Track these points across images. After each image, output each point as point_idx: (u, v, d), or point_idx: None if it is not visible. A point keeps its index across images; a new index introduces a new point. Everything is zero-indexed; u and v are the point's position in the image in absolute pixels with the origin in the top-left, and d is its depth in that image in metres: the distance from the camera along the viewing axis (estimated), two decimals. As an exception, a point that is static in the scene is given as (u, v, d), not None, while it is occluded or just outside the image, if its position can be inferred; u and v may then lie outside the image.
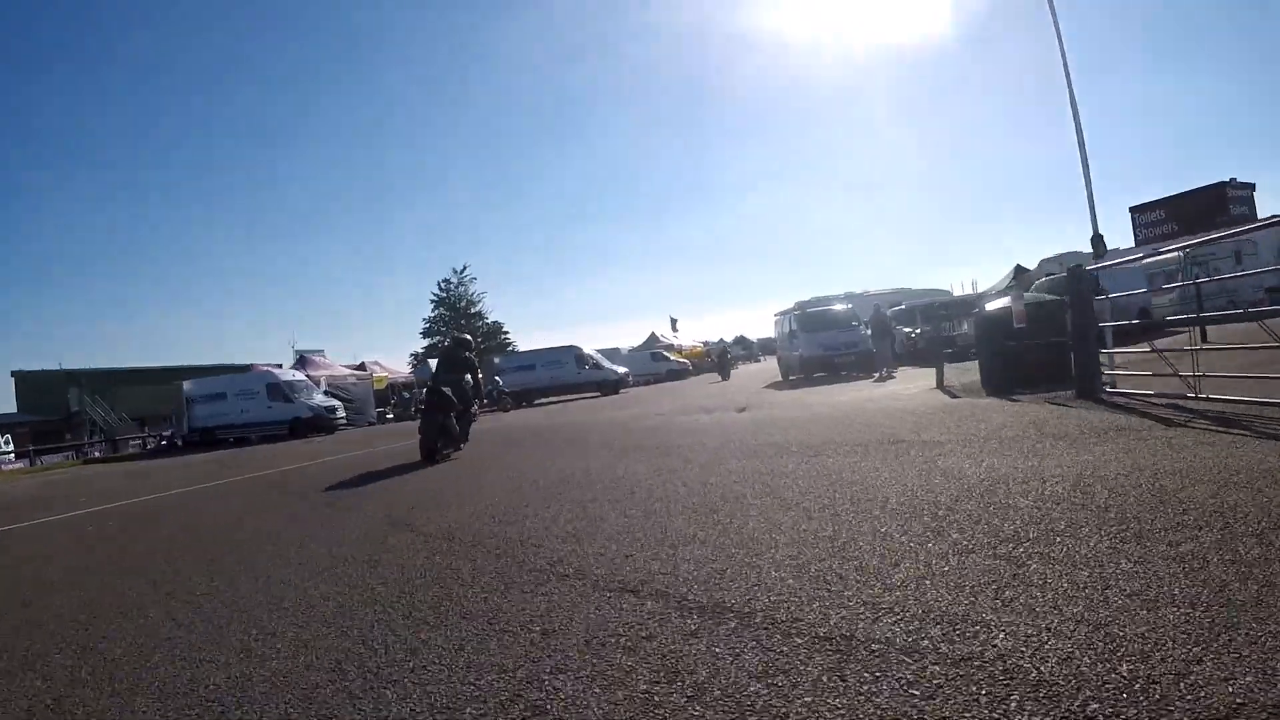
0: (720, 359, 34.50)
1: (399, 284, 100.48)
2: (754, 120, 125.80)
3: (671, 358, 44.10)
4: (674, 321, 51.12)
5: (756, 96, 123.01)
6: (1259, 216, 32.71)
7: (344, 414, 30.25)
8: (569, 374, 34.16)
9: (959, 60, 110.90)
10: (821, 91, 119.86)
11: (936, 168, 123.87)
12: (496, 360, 38.32)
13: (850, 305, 21.60)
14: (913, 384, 14.34)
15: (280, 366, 34.91)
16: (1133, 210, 39.44)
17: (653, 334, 48.63)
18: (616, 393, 32.06)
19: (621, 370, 35.27)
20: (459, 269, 61.22)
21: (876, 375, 17.96)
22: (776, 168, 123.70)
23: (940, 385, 12.30)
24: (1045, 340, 9.88)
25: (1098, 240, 14.06)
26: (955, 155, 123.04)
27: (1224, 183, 34.08)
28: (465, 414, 10.42)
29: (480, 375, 11.23)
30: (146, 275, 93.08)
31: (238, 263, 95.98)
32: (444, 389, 9.93)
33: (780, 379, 22.52)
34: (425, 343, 58.18)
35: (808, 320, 20.59)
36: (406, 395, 38.94)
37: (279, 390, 29.18)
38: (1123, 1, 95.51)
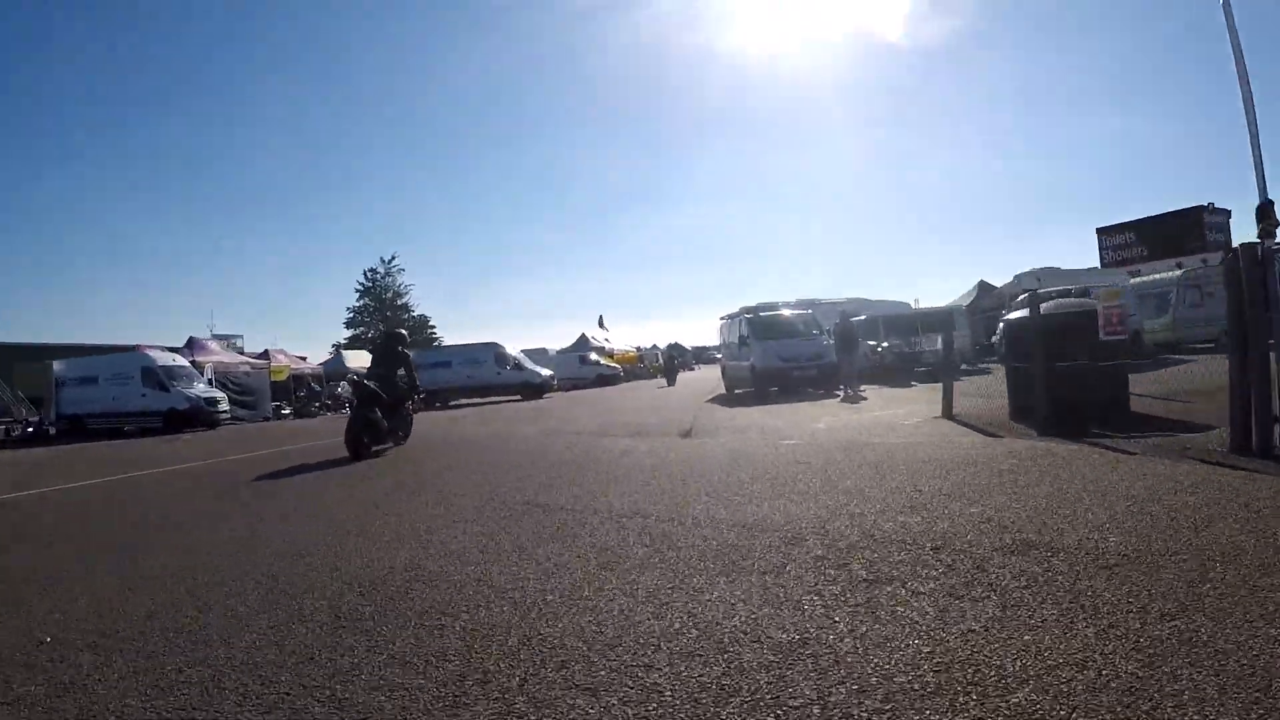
0: (668, 364, 33.35)
1: (328, 272, 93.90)
2: (699, 131, 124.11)
3: (602, 361, 40.74)
4: (601, 319, 47.45)
5: (703, 107, 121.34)
6: (1234, 243, 32.03)
7: (227, 407, 25.65)
8: (488, 374, 30.56)
9: (905, 79, 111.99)
10: (768, 107, 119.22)
11: (877, 187, 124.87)
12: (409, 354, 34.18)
13: (810, 311, 18.67)
14: (899, 408, 11.43)
15: (201, 348, 29.74)
16: (1099, 232, 38.42)
17: (583, 335, 45.03)
18: (540, 397, 29.11)
19: (545, 373, 31.87)
20: (387, 258, 57.53)
21: (842, 394, 15.08)
22: (717, 179, 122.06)
23: (948, 413, 9.36)
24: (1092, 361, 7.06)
25: (1267, 208, 10.92)
26: (898, 175, 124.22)
27: (1201, 207, 33.20)
28: (399, 409, 10.23)
29: (415, 370, 10.99)
30: (63, 250, 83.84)
31: (161, 240, 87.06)
32: (369, 383, 9.76)
33: (724, 392, 19.44)
34: (349, 333, 54.73)
35: (762, 325, 17.52)
36: (316, 388, 34.25)
37: (154, 376, 24.49)
38: (1092, 40, 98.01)
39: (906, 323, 19.86)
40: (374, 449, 9.53)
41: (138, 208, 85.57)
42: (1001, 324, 8.94)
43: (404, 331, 12.06)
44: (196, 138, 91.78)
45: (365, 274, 57.36)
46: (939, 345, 19.47)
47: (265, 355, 33.88)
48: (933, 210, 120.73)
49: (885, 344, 18.23)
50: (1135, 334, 17.15)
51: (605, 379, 38.30)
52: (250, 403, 28.96)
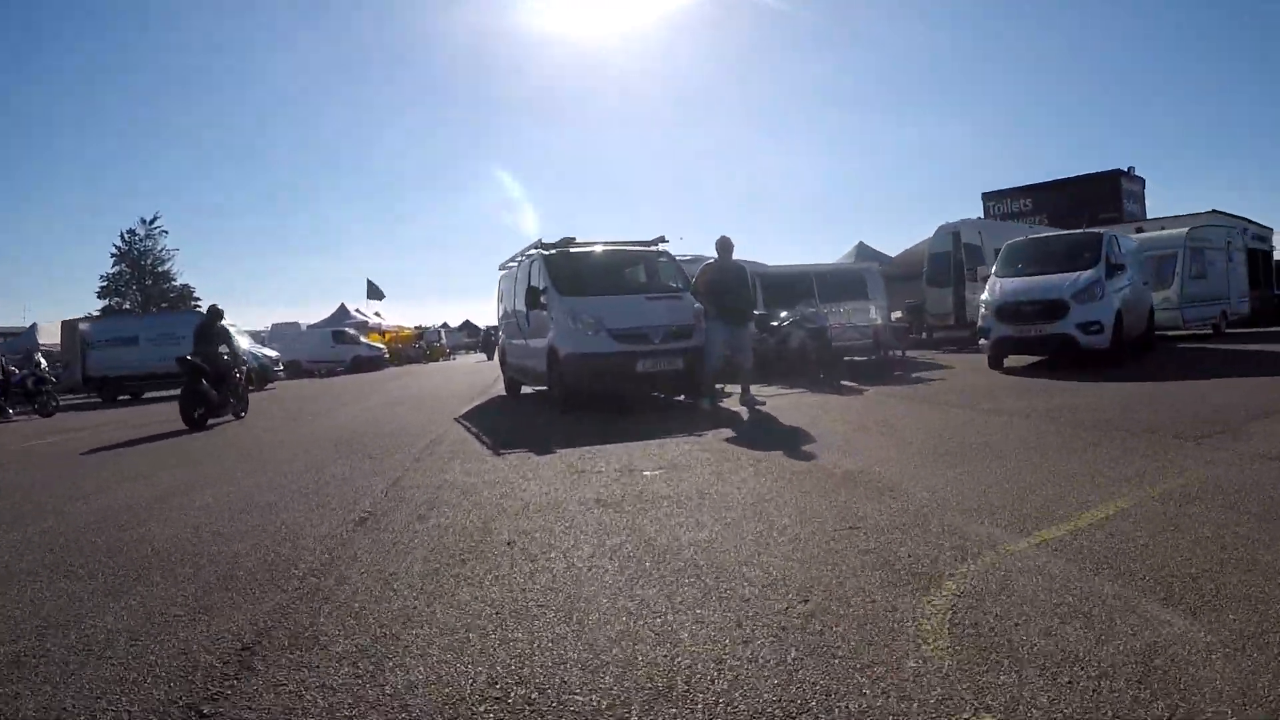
0: (486, 341, 31.74)
1: (91, 237, 74.26)
2: (498, 114, 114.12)
3: (363, 340, 30.58)
4: (371, 285, 36.00)
5: (509, 93, 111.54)
6: (1148, 214, 29.17)
7: None
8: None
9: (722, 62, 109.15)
10: (576, 90, 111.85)
11: (706, 168, 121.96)
12: (83, 327, 22.79)
13: (661, 247, 10.34)
14: (1044, 497, 3.63)
15: None
16: (985, 197, 34.34)
17: (342, 306, 34.08)
18: (261, 388, 20.30)
19: (269, 354, 22.87)
20: (148, 218, 47.07)
21: (746, 410, 7.28)
22: (517, 161, 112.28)
23: None
24: None
25: None
26: (710, 155, 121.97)
27: (1119, 171, 29.77)
28: (228, 381, 10.50)
29: (235, 344, 11.32)
30: None
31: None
32: (192, 359, 10.01)
33: (504, 394, 11.05)
34: (102, 304, 45.27)
35: (574, 271, 8.68)
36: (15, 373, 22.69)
37: None
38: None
39: (795, 285, 12.51)
40: (209, 421, 9.91)
41: None
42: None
43: (221, 309, 11.54)
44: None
45: (122, 236, 47.09)
46: (873, 316, 12.48)
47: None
48: (773, 188, 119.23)
49: (786, 314, 10.54)
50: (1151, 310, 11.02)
51: (366, 362, 28.58)
52: None
